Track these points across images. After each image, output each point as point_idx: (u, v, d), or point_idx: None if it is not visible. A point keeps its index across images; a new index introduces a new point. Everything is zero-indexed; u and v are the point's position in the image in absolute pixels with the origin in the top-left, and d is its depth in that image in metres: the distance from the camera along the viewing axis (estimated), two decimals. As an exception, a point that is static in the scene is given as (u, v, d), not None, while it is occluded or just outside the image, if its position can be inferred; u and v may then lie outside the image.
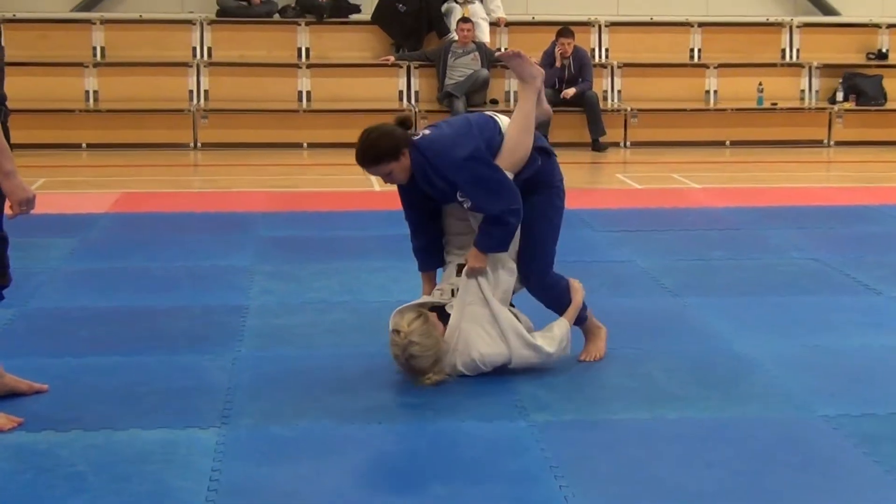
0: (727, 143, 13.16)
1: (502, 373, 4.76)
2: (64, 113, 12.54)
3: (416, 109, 12.90)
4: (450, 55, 12.95)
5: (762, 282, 6.52)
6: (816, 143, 13.29)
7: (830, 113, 13.37)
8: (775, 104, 13.35)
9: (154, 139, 12.44)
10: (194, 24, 13.55)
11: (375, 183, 9.36)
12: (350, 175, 10.27)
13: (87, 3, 13.92)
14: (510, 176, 4.68)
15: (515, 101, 13.19)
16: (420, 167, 4.62)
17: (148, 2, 13.94)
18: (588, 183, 10.81)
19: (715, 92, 13.69)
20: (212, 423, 4.25)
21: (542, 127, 5.35)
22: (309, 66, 13.36)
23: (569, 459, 3.94)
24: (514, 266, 4.80)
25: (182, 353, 5.14)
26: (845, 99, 13.49)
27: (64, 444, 4.04)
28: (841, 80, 13.62)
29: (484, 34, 13.44)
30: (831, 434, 4.21)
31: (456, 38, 13.02)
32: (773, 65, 13.93)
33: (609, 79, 13.55)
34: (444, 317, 4.74)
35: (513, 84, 13.24)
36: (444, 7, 13.63)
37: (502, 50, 13.45)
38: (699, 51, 14.08)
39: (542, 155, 4.82)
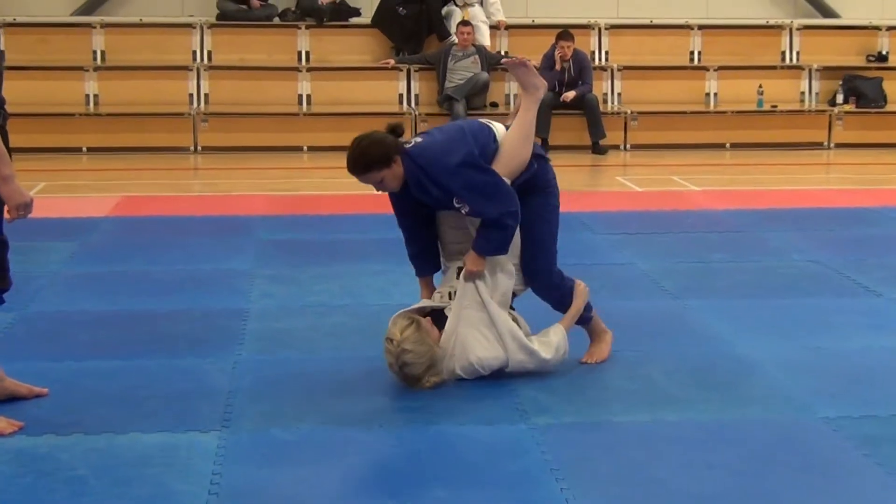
0: (727, 145, 13.15)
1: (502, 376, 4.76)
2: (64, 117, 12.54)
3: (417, 113, 12.91)
4: (450, 58, 12.95)
5: (762, 284, 6.52)
6: (816, 146, 13.29)
7: (830, 115, 13.37)
8: (775, 106, 13.35)
9: (154, 143, 12.43)
10: (194, 27, 13.55)
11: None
12: (350, 178, 10.26)
13: (88, 6, 13.92)
14: (507, 181, 4.68)
15: (516, 104, 13.28)
16: (413, 175, 4.62)
17: (148, 5, 13.94)
18: (588, 185, 10.81)
19: (715, 94, 13.69)
20: (212, 427, 4.25)
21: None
22: (309, 70, 13.36)
23: (569, 462, 3.94)
24: (512, 269, 4.79)
25: (182, 357, 5.13)
26: (845, 101, 13.49)
27: (64, 448, 4.04)
28: (841, 83, 13.62)
29: (484, 37, 13.44)
30: (832, 436, 4.21)
31: (456, 41, 13.02)
32: (773, 67, 13.93)
33: (609, 81, 13.56)
34: (443, 320, 4.74)
35: (513, 87, 13.26)
36: (444, 10, 13.63)
37: (502, 53, 13.49)
38: (699, 53, 14.08)
39: (538, 160, 4.84)
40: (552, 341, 4.80)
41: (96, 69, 13.07)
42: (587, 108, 12.62)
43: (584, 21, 13.85)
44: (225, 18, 13.67)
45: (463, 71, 12.90)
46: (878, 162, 12.33)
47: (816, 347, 5.29)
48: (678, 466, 3.92)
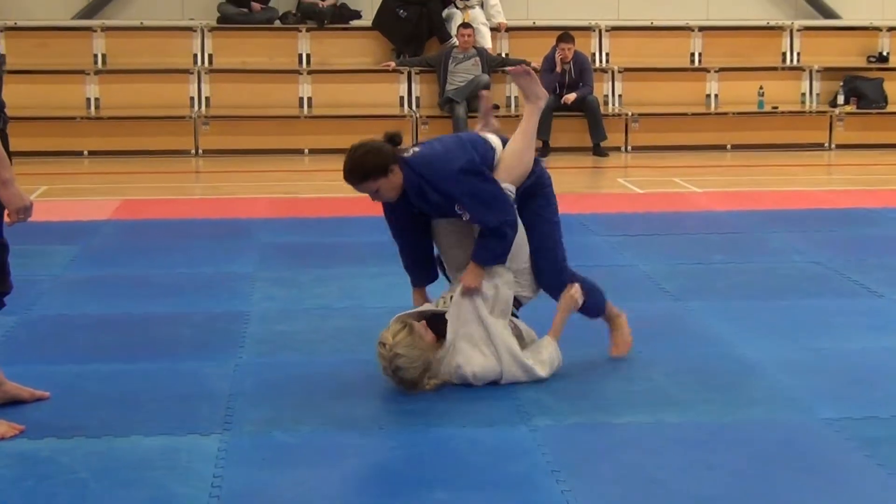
0: (728, 146, 13.15)
1: (504, 377, 4.76)
2: (65, 120, 12.55)
3: (417, 115, 12.91)
4: (450, 60, 12.95)
5: (764, 285, 6.52)
6: (817, 147, 13.29)
7: (831, 116, 13.37)
8: (776, 108, 13.34)
9: (155, 146, 12.45)
10: (195, 30, 13.56)
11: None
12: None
13: (88, 10, 13.92)
14: (513, 189, 4.70)
15: (516, 106, 13.31)
16: (413, 184, 4.62)
17: (149, 9, 13.94)
18: (589, 187, 10.81)
19: (716, 96, 13.69)
20: (213, 430, 4.25)
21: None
22: (310, 73, 13.37)
23: (571, 464, 3.94)
24: (512, 279, 4.78)
25: (183, 360, 5.14)
26: (846, 102, 13.49)
27: (66, 452, 4.04)
28: (842, 84, 13.61)
29: (485, 39, 13.45)
30: (833, 437, 4.20)
31: (457, 43, 13.02)
32: (774, 68, 13.92)
33: (610, 83, 13.55)
34: (443, 324, 4.73)
35: (513, 89, 13.26)
36: (444, 12, 13.64)
37: (503, 55, 13.49)
38: (700, 55, 14.08)
39: (536, 164, 4.88)
40: (545, 359, 4.78)
41: (97, 73, 13.08)
42: (588, 110, 12.63)
43: (584, 23, 13.85)
44: (226, 21, 13.68)
45: (464, 73, 12.90)
46: (879, 163, 12.33)
47: (817, 348, 5.29)
48: (679, 468, 3.92)
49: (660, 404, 4.54)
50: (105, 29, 13.47)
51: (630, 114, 13.09)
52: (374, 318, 5.61)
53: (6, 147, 4.09)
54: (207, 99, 13.12)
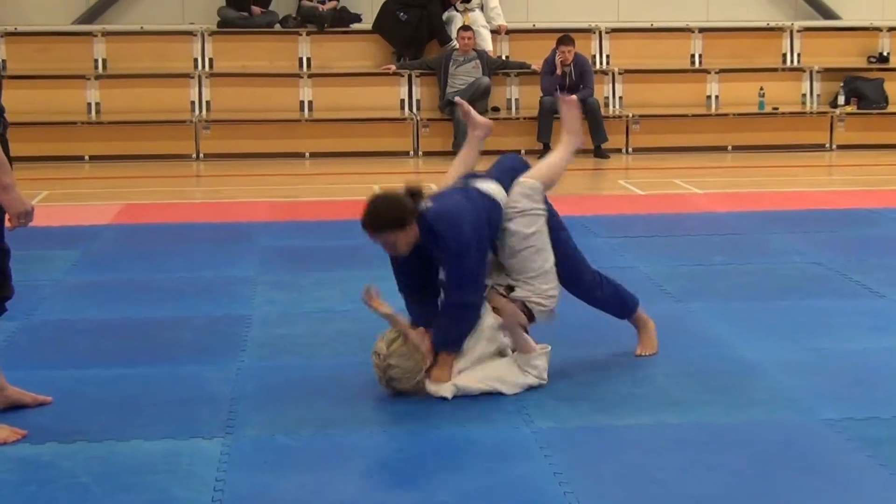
0: (729, 148, 13.15)
1: (505, 380, 4.76)
2: (66, 125, 12.56)
3: (418, 118, 12.91)
4: (451, 63, 12.96)
5: (765, 286, 6.52)
6: (818, 147, 13.28)
7: (832, 117, 13.37)
8: (777, 109, 13.35)
9: (156, 150, 12.45)
10: (195, 35, 13.56)
11: (377, 190, 9.35)
12: (352, 184, 10.30)
13: (89, 15, 13.94)
14: (540, 186, 4.79)
15: (517, 108, 13.28)
16: (428, 237, 4.59)
17: (149, 13, 13.96)
18: (590, 189, 10.82)
19: (716, 97, 13.69)
20: (215, 434, 4.25)
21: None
22: (310, 76, 13.37)
23: (573, 465, 3.95)
24: (492, 333, 4.71)
25: (185, 364, 5.14)
26: (847, 102, 13.49)
27: (67, 456, 4.04)
28: (842, 84, 13.62)
29: (485, 42, 13.45)
30: (835, 438, 4.20)
31: (457, 46, 13.03)
32: (775, 69, 13.93)
33: (610, 85, 13.55)
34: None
35: (514, 91, 13.29)
36: (444, 15, 13.65)
37: (503, 57, 13.49)
38: (700, 56, 14.08)
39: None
40: (533, 380, 4.73)
41: (98, 77, 13.09)
42: (589, 112, 12.61)
43: (584, 25, 13.86)
44: (226, 26, 13.69)
45: (464, 76, 12.91)
46: (879, 163, 12.33)
47: (818, 349, 5.29)
48: (681, 469, 3.92)
49: (661, 405, 4.54)
50: (105, 34, 13.48)
51: (631, 115, 13.09)
52: (375, 321, 5.58)
53: (7, 152, 4.10)
54: (208, 103, 13.13)
